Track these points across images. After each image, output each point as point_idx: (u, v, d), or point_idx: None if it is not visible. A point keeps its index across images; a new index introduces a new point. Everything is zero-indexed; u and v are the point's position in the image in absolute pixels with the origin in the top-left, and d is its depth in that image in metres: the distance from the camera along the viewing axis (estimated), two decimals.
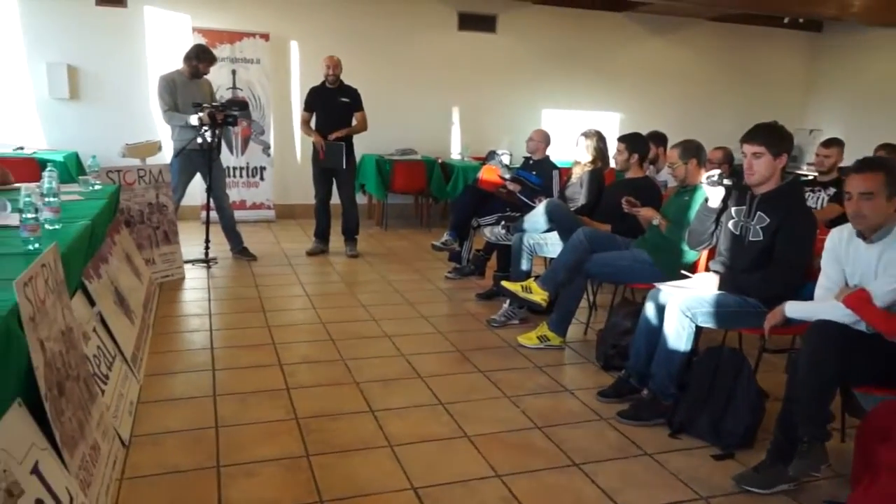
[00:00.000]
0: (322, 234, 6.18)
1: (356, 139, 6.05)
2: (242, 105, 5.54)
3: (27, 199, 2.53)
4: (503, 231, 4.71)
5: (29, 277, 1.98)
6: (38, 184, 3.06)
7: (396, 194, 7.59)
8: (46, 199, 2.90)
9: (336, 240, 6.26)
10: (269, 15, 7.30)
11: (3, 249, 2.56)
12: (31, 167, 5.99)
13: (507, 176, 5.17)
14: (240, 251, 5.81)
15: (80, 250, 2.92)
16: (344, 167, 5.86)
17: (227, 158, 6.79)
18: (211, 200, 5.53)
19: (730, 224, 3.09)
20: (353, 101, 5.88)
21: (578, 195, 4.58)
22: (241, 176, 7.38)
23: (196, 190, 5.85)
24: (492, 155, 6.31)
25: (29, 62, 6.68)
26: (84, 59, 6.86)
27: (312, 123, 5.94)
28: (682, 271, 3.39)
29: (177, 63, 5.62)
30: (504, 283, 4.05)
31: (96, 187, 4.18)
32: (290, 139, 7.76)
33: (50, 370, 2.02)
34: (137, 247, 4.72)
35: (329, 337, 3.98)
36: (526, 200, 5.00)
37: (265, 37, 7.20)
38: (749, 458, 2.69)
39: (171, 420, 2.86)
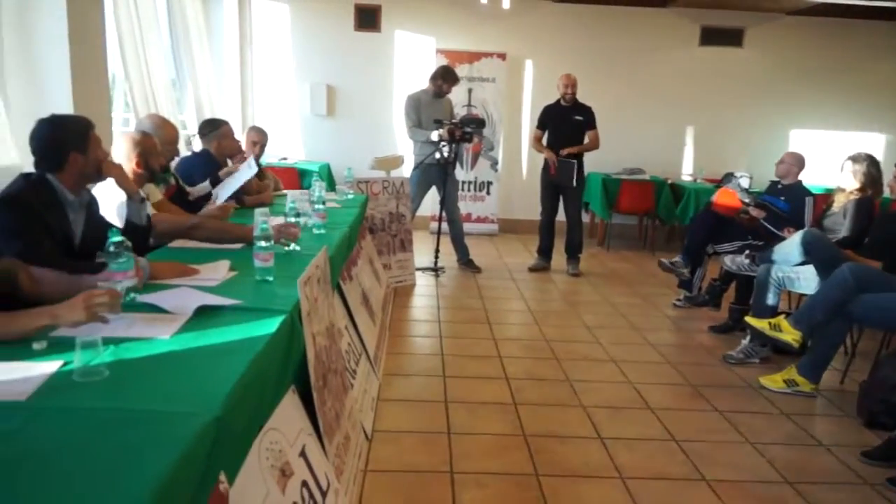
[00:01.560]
0: (545, 251, 6.19)
1: (584, 157, 5.99)
2: (479, 123, 5.75)
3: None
4: (747, 261, 4.34)
5: (307, 277, 2.20)
6: (308, 191, 3.42)
7: (621, 214, 7.38)
8: (315, 206, 3.23)
9: (558, 257, 6.23)
10: (507, 35, 7.53)
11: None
12: (293, 176, 6.77)
13: (747, 200, 4.78)
14: (466, 262, 6.02)
15: (340, 254, 3.20)
16: (574, 184, 5.83)
17: (456, 172, 7.08)
18: (443, 212, 5.80)
19: None
20: (586, 119, 5.83)
21: (840, 226, 4.08)
22: (468, 190, 7.66)
23: (427, 202, 6.18)
24: (729, 177, 5.88)
25: (297, 83, 7.57)
26: (340, 79, 7.61)
27: (544, 141, 5.99)
28: None
29: (419, 82, 6.00)
30: (749, 319, 3.72)
31: (350, 196, 4.58)
32: (517, 156, 7.92)
33: (318, 362, 2.22)
34: (377, 252, 5.08)
35: (553, 355, 3.95)
36: (771, 228, 4.57)
37: (502, 56, 7.44)
38: None
39: (407, 420, 3.01)
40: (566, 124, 5.83)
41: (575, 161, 5.78)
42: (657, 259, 5.29)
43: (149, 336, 1.69)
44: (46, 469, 1.11)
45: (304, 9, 7.47)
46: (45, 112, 2.46)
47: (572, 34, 7.60)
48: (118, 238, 1.88)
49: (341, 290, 3.29)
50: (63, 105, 3.40)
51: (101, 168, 2.43)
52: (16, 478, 1.08)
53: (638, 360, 3.97)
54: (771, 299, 3.92)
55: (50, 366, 1.47)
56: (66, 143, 2.30)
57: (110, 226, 2.53)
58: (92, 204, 2.48)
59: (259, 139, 4.66)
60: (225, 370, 1.50)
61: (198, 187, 3.87)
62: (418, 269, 5.64)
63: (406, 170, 6.08)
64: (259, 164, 4.85)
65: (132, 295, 1.90)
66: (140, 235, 2.56)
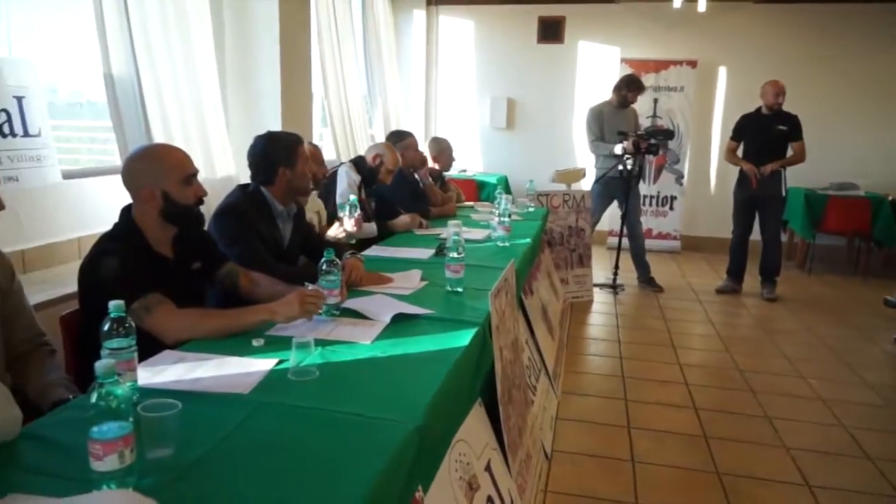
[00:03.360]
0: (736, 273, 5.73)
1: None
2: (667, 134, 5.48)
3: (455, 237, 2.84)
4: None
5: (497, 290, 2.18)
6: (494, 204, 3.43)
7: (826, 234, 6.64)
8: (501, 219, 3.23)
9: (750, 280, 5.75)
10: (698, 41, 7.11)
11: (475, 261, 2.85)
12: (471, 187, 6.89)
13: None
14: (646, 280, 5.74)
15: (523, 267, 3.17)
16: (783, 194, 5.35)
17: (639, 186, 6.80)
18: (624, 227, 5.59)
19: None
20: (791, 129, 5.31)
21: None
22: (650, 204, 7.33)
23: (604, 216, 5.99)
24: None
25: (478, 96, 7.71)
26: (521, 92, 7.63)
27: (739, 152, 5.55)
28: None
29: (602, 94, 5.83)
30: None
31: (531, 209, 4.55)
32: (705, 169, 7.44)
33: (504, 376, 2.19)
34: (555, 267, 5.00)
35: (748, 387, 3.62)
36: None
37: (692, 64, 7.04)
38: None
39: (587, 442, 2.89)
40: (767, 135, 5.35)
41: (779, 171, 5.30)
42: (869, 288, 4.69)
43: (352, 340, 1.76)
44: (267, 460, 1.17)
45: (487, 24, 7.59)
46: (259, 129, 2.69)
47: (775, 37, 6.98)
48: (331, 257, 1.99)
49: (522, 304, 3.26)
50: (273, 123, 3.72)
51: (308, 182, 2.61)
52: (243, 464, 1.15)
53: (852, 400, 3.52)
54: None
55: (267, 363, 1.57)
56: (276, 158, 2.50)
57: (315, 234, 2.71)
58: (299, 214, 2.67)
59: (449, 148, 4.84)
60: (424, 379, 1.52)
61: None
62: (596, 286, 5.48)
63: (586, 183, 5.94)
64: (442, 176, 5.00)
65: (334, 312, 1.99)
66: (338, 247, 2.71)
